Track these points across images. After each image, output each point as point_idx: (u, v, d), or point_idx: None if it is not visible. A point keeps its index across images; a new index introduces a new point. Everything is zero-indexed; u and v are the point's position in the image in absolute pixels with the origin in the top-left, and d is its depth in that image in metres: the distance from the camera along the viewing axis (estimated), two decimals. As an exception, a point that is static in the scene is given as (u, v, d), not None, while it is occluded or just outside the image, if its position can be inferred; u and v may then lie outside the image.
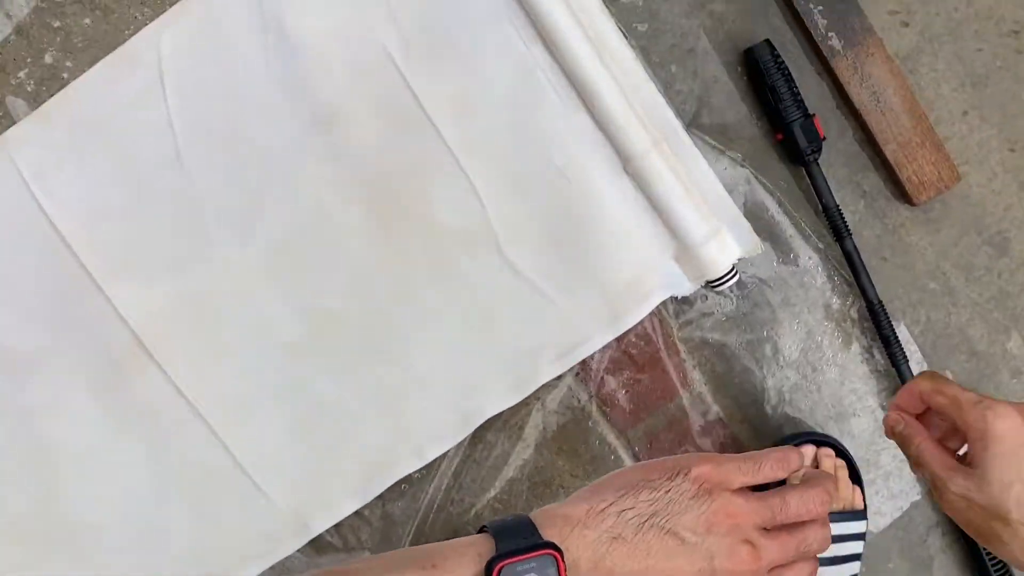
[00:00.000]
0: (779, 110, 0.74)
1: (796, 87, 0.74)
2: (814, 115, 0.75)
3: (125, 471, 0.77)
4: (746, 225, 0.74)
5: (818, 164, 0.75)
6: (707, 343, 0.78)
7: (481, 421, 0.76)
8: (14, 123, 0.72)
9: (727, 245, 0.74)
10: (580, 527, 0.44)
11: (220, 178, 0.73)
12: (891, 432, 0.55)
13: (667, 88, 0.75)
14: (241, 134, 0.73)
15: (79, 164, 0.73)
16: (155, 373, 0.75)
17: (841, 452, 0.76)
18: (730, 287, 0.76)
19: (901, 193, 0.78)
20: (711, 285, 0.75)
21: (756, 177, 0.77)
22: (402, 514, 0.78)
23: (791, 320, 0.78)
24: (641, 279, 0.76)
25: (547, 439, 0.78)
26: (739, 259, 0.74)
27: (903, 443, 0.54)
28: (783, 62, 0.74)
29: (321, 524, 0.77)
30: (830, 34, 0.74)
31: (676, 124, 0.73)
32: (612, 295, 0.76)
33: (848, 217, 0.77)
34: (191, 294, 0.75)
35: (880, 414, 0.80)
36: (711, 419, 0.78)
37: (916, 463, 0.53)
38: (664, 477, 0.44)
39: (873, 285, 0.77)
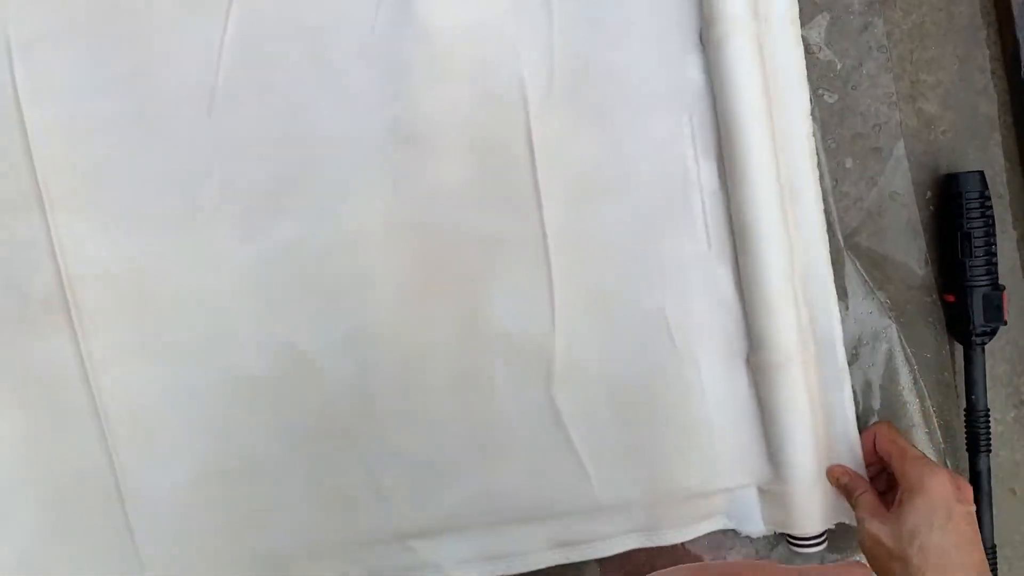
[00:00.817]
0: (964, 265, 0.56)
1: (995, 244, 0.56)
2: (1004, 288, 0.56)
3: None
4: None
5: (983, 351, 0.57)
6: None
7: None
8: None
9: (832, 505, 0.56)
10: None
11: (250, 146, 0.55)
12: (835, 482, 0.56)
13: (834, 185, 0.57)
14: (300, 103, 0.55)
15: (85, 54, 0.55)
16: (66, 339, 0.57)
17: None
18: (816, 550, 0.58)
19: (1068, 422, 0.59)
20: (792, 542, 0.58)
21: (900, 337, 0.58)
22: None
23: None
24: (707, 496, 0.58)
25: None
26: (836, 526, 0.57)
27: (846, 493, 0.55)
28: (991, 208, 0.56)
29: None
30: (1063, 194, 0.56)
31: (837, 337, 0.54)
32: (661, 498, 0.57)
33: (992, 426, 0.58)
34: (151, 266, 0.56)
35: None
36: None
37: (852, 506, 0.55)
38: None
39: (992, 523, 0.58)
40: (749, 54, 0.52)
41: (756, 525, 0.58)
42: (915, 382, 0.58)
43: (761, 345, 0.54)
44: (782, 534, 0.58)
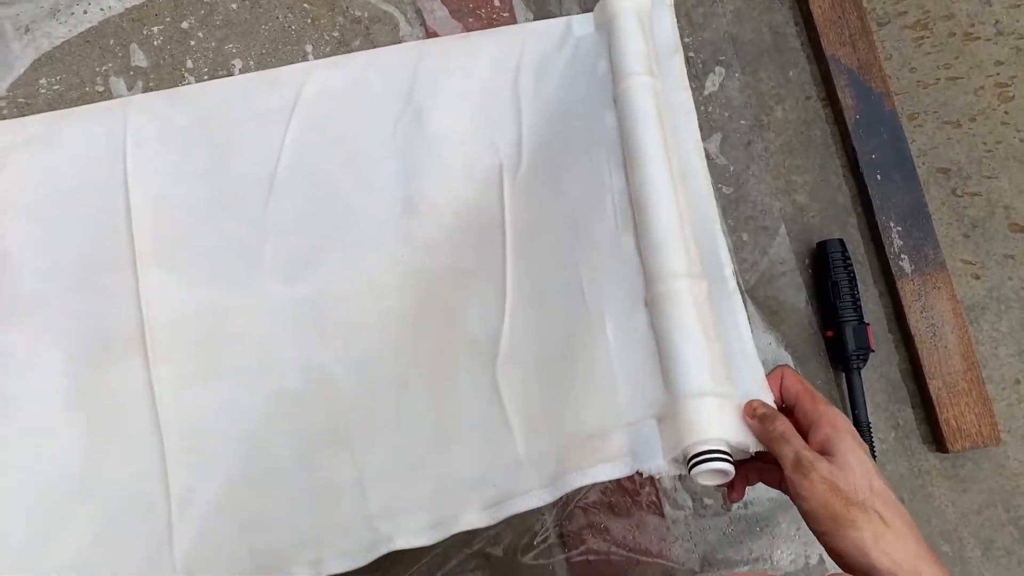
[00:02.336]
0: (836, 307, 0.73)
1: (857, 291, 0.74)
2: (868, 324, 0.74)
3: (54, 449, 0.72)
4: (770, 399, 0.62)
5: (860, 375, 0.73)
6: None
7: (384, 551, 0.66)
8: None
9: (728, 414, 0.56)
10: None
11: (298, 215, 0.73)
12: (752, 414, 0.55)
13: (735, 252, 0.76)
14: (336, 185, 0.74)
15: (181, 151, 0.74)
16: (139, 368, 0.71)
17: None
18: (715, 481, 0.55)
19: (935, 438, 0.74)
20: (690, 462, 0.55)
21: (795, 367, 0.74)
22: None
23: (788, 540, 0.73)
24: (609, 436, 0.60)
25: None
26: (734, 446, 0.55)
27: (766, 422, 0.53)
28: (851, 263, 0.74)
29: None
30: (903, 256, 0.75)
31: (726, 263, 0.65)
32: (566, 445, 0.62)
33: (876, 445, 0.73)
34: (216, 308, 0.72)
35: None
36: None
37: (778, 442, 0.52)
38: None
39: (885, 520, 0.72)
40: (647, 101, 0.67)
41: (656, 459, 0.57)
42: (811, 403, 0.74)
43: (652, 280, 0.62)
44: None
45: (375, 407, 0.70)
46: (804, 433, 0.54)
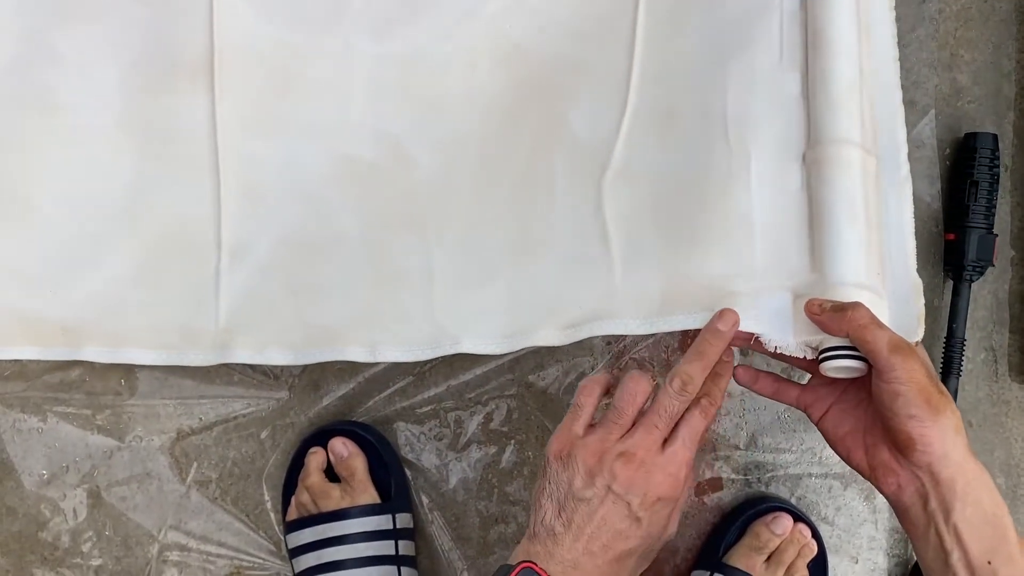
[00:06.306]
0: (967, 209, 0.65)
1: (996, 196, 0.66)
2: (996, 236, 0.66)
3: (101, 169, 0.67)
4: (916, 312, 0.56)
5: (970, 288, 0.67)
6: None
7: (449, 351, 0.63)
8: None
9: (879, 313, 0.52)
10: (533, 548, 0.50)
11: None
12: (817, 309, 0.52)
13: (872, 122, 0.67)
14: None
15: None
16: (203, 103, 0.65)
17: (815, 536, 0.66)
18: (844, 367, 0.52)
19: (1027, 369, 0.69)
20: (824, 353, 0.52)
21: (903, 262, 0.68)
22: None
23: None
24: (733, 290, 0.55)
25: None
26: None
27: (840, 308, 0.51)
28: (998, 164, 0.66)
29: (242, 355, 0.66)
30: (1058, 169, 0.66)
31: (902, 145, 0.57)
32: (678, 283, 0.57)
33: (963, 363, 0.68)
34: (293, 51, 0.66)
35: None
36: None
37: (870, 329, 0.49)
38: (540, 477, 0.52)
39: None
40: None
41: (784, 335, 0.53)
42: (908, 304, 0.68)
43: (820, 139, 0.54)
44: (813, 360, 0.53)
45: (453, 193, 0.65)
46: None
